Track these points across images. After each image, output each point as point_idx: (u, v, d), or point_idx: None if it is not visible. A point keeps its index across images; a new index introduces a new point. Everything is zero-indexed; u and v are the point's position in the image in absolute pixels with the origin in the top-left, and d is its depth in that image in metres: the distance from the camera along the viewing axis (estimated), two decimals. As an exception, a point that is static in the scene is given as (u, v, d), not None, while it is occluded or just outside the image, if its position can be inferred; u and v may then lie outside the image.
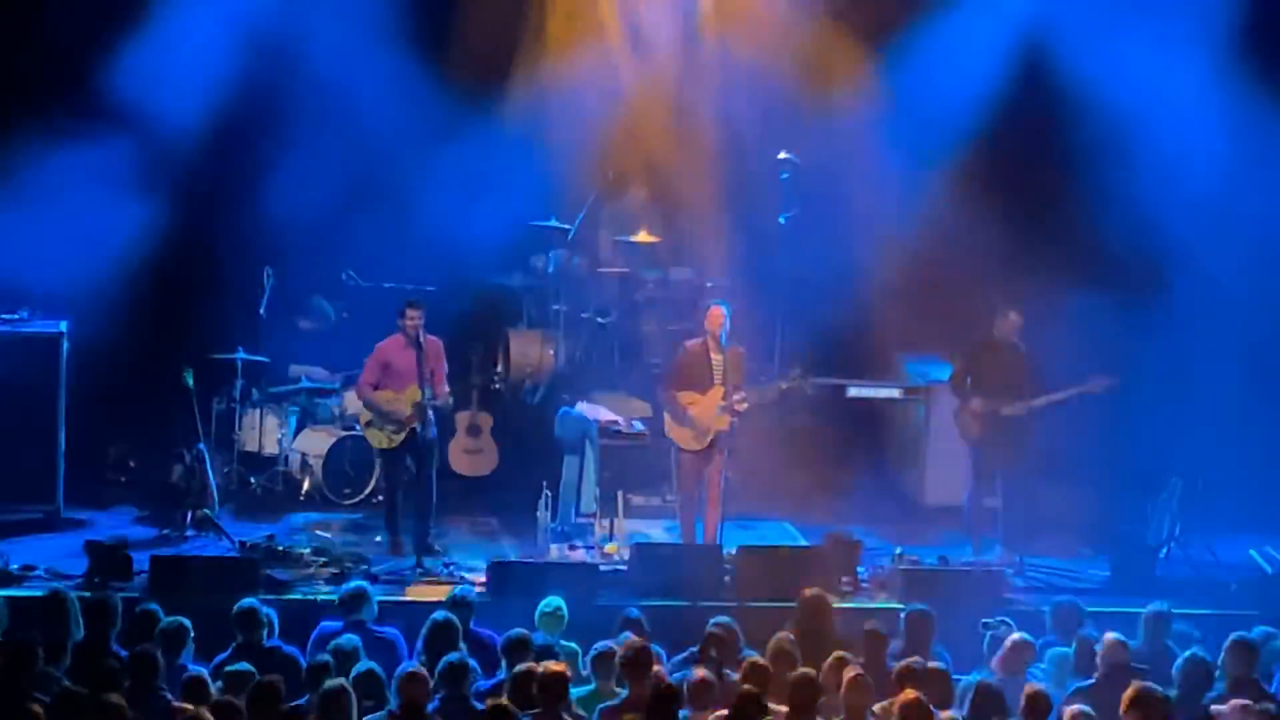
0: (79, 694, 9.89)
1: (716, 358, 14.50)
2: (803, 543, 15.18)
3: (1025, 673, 11.16)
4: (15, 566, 13.65)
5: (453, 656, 10.49)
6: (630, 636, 11.07)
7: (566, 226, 16.83)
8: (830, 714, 10.28)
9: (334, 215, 16.44)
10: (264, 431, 16.14)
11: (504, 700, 10.04)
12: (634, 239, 16.99)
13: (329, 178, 16.47)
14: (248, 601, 11.56)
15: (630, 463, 15.17)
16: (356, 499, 15.95)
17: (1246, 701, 10.27)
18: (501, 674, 10.79)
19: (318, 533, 15.08)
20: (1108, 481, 15.64)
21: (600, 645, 10.95)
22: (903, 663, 10.77)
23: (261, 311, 16.19)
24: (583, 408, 15.66)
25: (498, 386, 16.87)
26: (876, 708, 10.37)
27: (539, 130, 16.52)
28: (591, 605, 12.85)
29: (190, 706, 9.92)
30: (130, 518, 15.54)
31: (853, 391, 16.39)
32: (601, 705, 10.45)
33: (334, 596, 12.51)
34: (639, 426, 15.18)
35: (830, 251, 16.26)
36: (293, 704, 10.05)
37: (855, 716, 10.27)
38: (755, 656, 10.93)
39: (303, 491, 16.05)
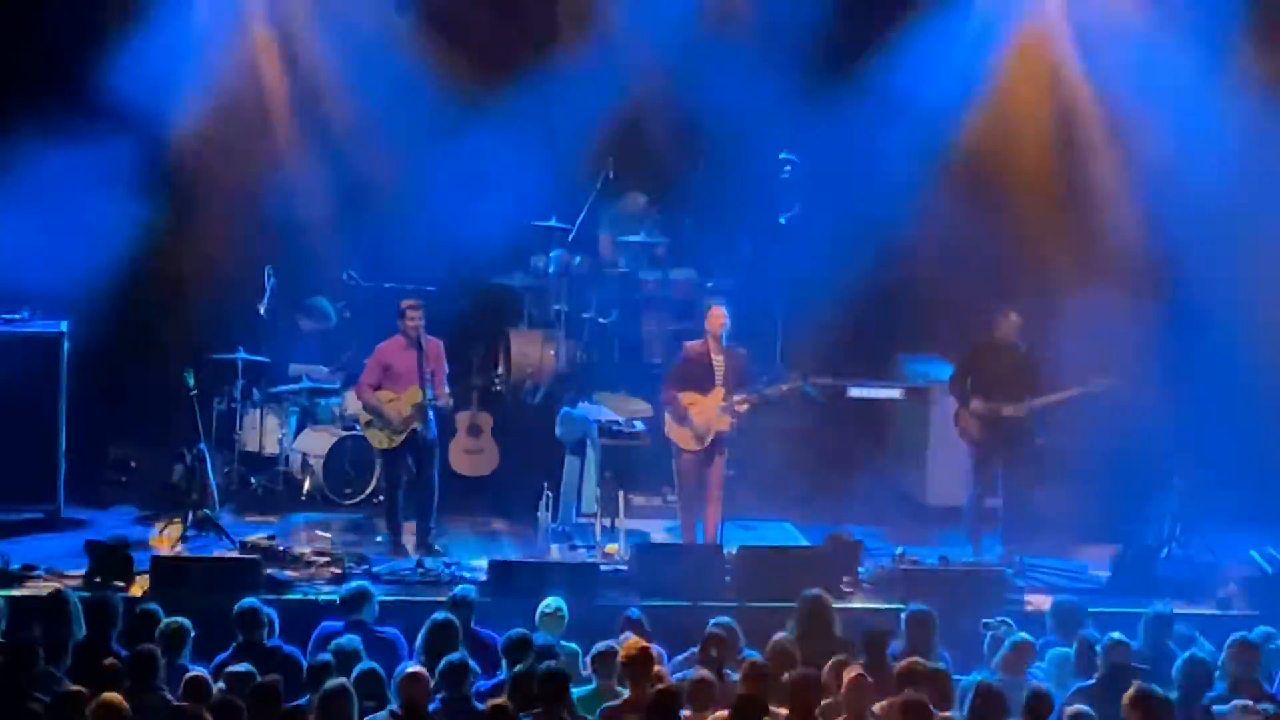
0: (79, 694, 9.89)
1: (717, 358, 14.51)
2: (803, 543, 15.18)
3: (1026, 673, 11.16)
4: (15, 566, 13.65)
5: (453, 656, 10.48)
6: (631, 636, 11.06)
7: (567, 226, 16.83)
8: (831, 715, 10.28)
9: (334, 215, 16.47)
10: (265, 431, 16.14)
11: (504, 700, 10.03)
12: (634, 239, 16.99)
13: (330, 177, 16.51)
14: (249, 601, 11.56)
15: (631, 463, 15.15)
16: (357, 499, 15.94)
17: (1247, 702, 10.27)
18: (502, 674, 10.79)
19: (318, 533, 15.08)
20: (1108, 481, 15.63)
21: (601, 645, 10.94)
22: (903, 663, 10.77)
23: (262, 311, 16.18)
24: (583, 408, 15.65)
25: (498, 387, 16.86)
26: (877, 708, 10.37)
27: (540, 129, 16.51)
28: (592, 605, 12.85)
29: (191, 706, 9.91)
30: (130, 518, 15.54)
31: (853, 392, 16.37)
32: (602, 705, 10.45)
33: (334, 596, 12.52)
34: (639, 426, 15.16)
35: (830, 251, 16.25)
36: (293, 704, 10.04)
37: (856, 717, 10.27)
38: (755, 657, 10.94)
39: (303, 491, 16.04)
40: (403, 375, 14.69)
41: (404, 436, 14.72)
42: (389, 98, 16.44)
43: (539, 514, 14.86)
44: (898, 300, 17.09)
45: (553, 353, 16.76)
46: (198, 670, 10.47)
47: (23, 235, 15.17)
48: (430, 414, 14.70)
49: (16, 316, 15.28)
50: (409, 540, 14.73)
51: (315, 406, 16.36)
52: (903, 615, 11.89)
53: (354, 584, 12.41)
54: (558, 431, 15.70)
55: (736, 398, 14.45)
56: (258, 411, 16.10)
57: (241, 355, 15.83)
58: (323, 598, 13.22)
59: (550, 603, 11.91)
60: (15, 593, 12.87)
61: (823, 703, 10.25)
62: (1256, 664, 11.07)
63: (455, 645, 10.93)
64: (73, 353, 15.25)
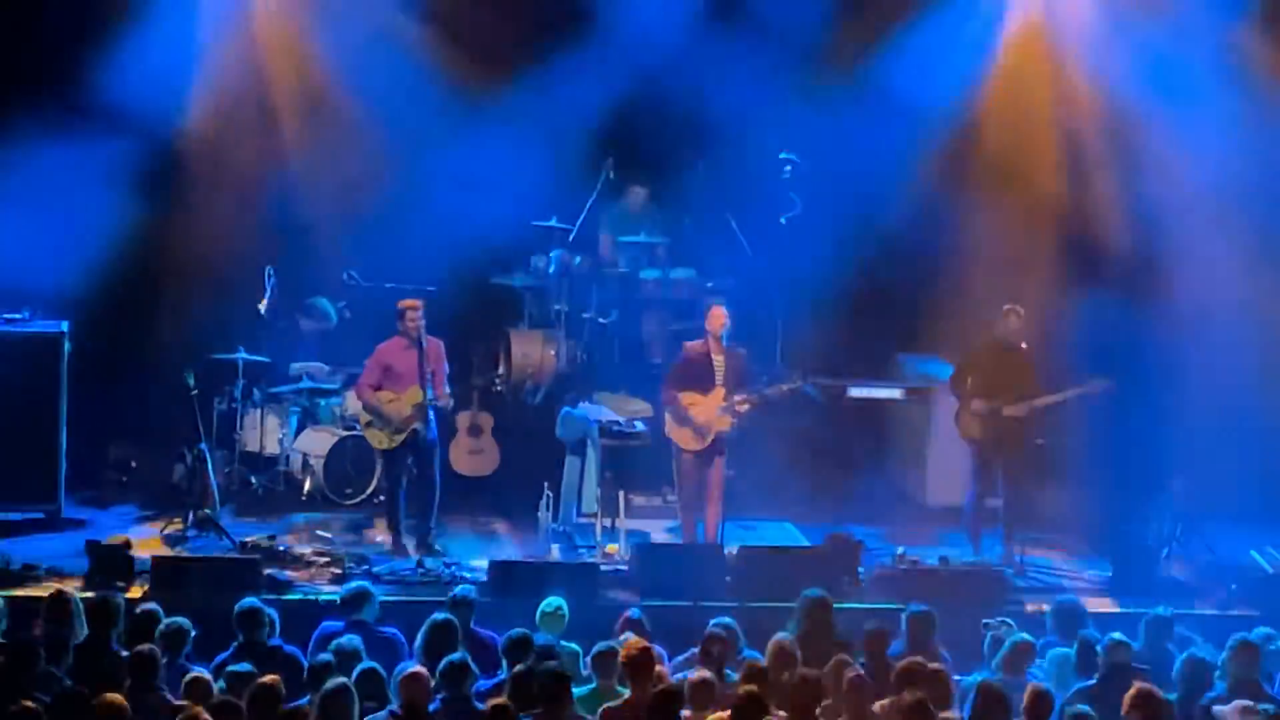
0: (79, 694, 9.89)
1: (718, 358, 14.52)
2: (804, 543, 15.19)
3: (1026, 673, 11.16)
4: (15, 566, 13.65)
5: (454, 657, 10.48)
6: (631, 637, 11.06)
7: (568, 226, 16.83)
8: (831, 715, 10.28)
9: (335, 215, 16.47)
10: (265, 432, 16.14)
11: (505, 700, 10.04)
12: (634, 239, 16.99)
13: (330, 177, 16.51)
14: (249, 601, 11.56)
15: (631, 463, 15.16)
16: (358, 499, 15.94)
17: (1248, 703, 10.26)
18: (502, 674, 10.79)
19: (318, 533, 15.08)
20: (1108, 481, 15.63)
21: (601, 645, 10.95)
22: (903, 663, 10.77)
23: (263, 311, 16.19)
24: (584, 408, 15.65)
25: (499, 387, 16.87)
26: (877, 707, 10.37)
27: (540, 129, 16.51)
28: (592, 605, 12.86)
29: (191, 706, 9.91)
30: (130, 518, 15.54)
31: (854, 392, 16.37)
32: (602, 705, 10.45)
33: (335, 597, 12.52)
34: (640, 427, 15.17)
35: (831, 251, 16.26)
36: (294, 704, 10.04)
37: (856, 717, 10.27)
38: (756, 657, 10.94)
39: (304, 492, 16.04)
40: (403, 375, 14.69)
41: (404, 437, 14.72)
42: (389, 97, 16.44)
43: (539, 514, 14.86)
44: (898, 300, 17.09)
45: (553, 353, 16.76)
46: (198, 670, 10.47)
47: (23, 235, 15.16)
48: (430, 414, 14.70)
49: (16, 316, 15.28)
50: (409, 540, 14.73)
51: (316, 407, 16.36)
52: (903, 615, 11.89)
53: (355, 584, 12.42)
54: (558, 432, 15.71)
55: (737, 398, 14.45)
56: (258, 411, 16.10)
57: (242, 355, 15.82)
58: (323, 598, 13.22)
59: (550, 603, 11.91)
60: (15, 593, 12.85)
61: (823, 703, 10.25)
62: (1257, 664, 11.07)
63: (455, 645, 10.94)
64: (73, 353, 15.24)
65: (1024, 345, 14.94)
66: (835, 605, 12.14)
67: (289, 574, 13.79)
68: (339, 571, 13.89)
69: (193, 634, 11.17)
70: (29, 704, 9.74)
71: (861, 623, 11.86)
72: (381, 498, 15.47)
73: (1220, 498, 15.25)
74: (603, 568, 14.04)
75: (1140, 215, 16.39)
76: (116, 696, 9.76)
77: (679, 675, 10.71)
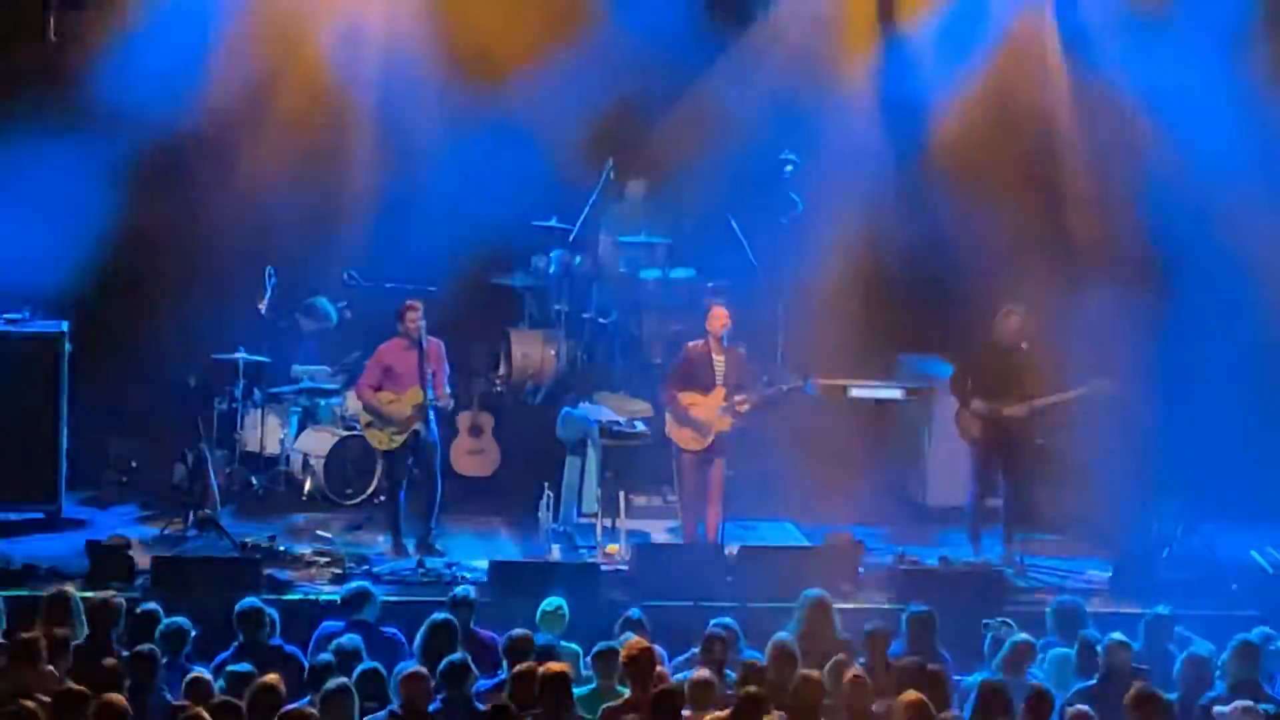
0: (79, 694, 9.89)
1: (718, 358, 14.53)
2: (804, 543, 15.19)
3: (1026, 673, 11.16)
4: (15, 566, 13.64)
5: (454, 657, 10.48)
6: (632, 637, 11.06)
7: (568, 227, 16.83)
8: (831, 715, 10.28)
9: (335, 215, 16.47)
10: (265, 432, 16.13)
11: (505, 700, 10.03)
12: (634, 239, 16.99)
13: (331, 177, 16.52)
14: (250, 600, 11.56)
15: (632, 463, 15.16)
16: (358, 499, 15.94)
17: (1248, 703, 10.26)
18: (502, 674, 10.79)
19: (319, 533, 15.08)
20: (1108, 481, 15.62)
21: (601, 645, 10.95)
22: (902, 663, 10.77)
23: (263, 311, 16.19)
24: (584, 408, 15.65)
25: (499, 387, 16.87)
26: (876, 707, 10.37)
27: (540, 129, 16.52)
28: (593, 605, 12.85)
29: (191, 706, 9.91)
30: (131, 518, 15.54)
31: (854, 392, 16.38)
32: (602, 705, 10.44)
33: (335, 597, 12.52)
34: (640, 427, 15.17)
35: (831, 251, 16.26)
36: (294, 704, 10.04)
37: (856, 717, 10.27)
38: (756, 657, 10.94)
39: (304, 492, 16.04)
40: (403, 376, 14.68)
41: (405, 437, 14.71)
42: (390, 97, 16.45)
43: (540, 514, 14.86)
44: (898, 300, 17.09)
45: (553, 353, 16.76)
46: (199, 671, 10.47)
47: (23, 235, 15.17)
48: (431, 415, 14.70)
49: (16, 316, 15.27)
50: (410, 540, 14.73)
51: (316, 407, 16.36)
52: (904, 616, 11.89)
53: (355, 584, 12.42)
54: (558, 432, 15.71)
55: (737, 398, 14.46)
56: (259, 412, 16.09)
57: (242, 355, 15.82)
58: (323, 598, 13.22)
59: (551, 602, 11.92)
60: (15, 593, 12.85)
61: (823, 703, 10.25)
62: (1257, 665, 11.07)
63: (454, 645, 10.93)
64: (73, 353, 15.23)
65: (1024, 345, 14.93)
66: (835, 605, 12.14)
67: (289, 574, 13.78)
68: (339, 571, 13.89)
69: (193, 634, 11.17)
70: (29, 704, 9.74)
71: (861, 623, 11.86)
72: (382, 498, 15.47)
73: (1221, 497, 15.24)
74: (603, 568, 14.04)
75: (1141, 215, 16.38)
76: (116, 696, 9.76)
77: (679, 675, 10.71)
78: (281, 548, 14.29)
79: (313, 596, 13.39)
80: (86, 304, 15.84)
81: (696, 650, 11.29)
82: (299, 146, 16.47)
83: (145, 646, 10.68)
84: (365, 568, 14.04)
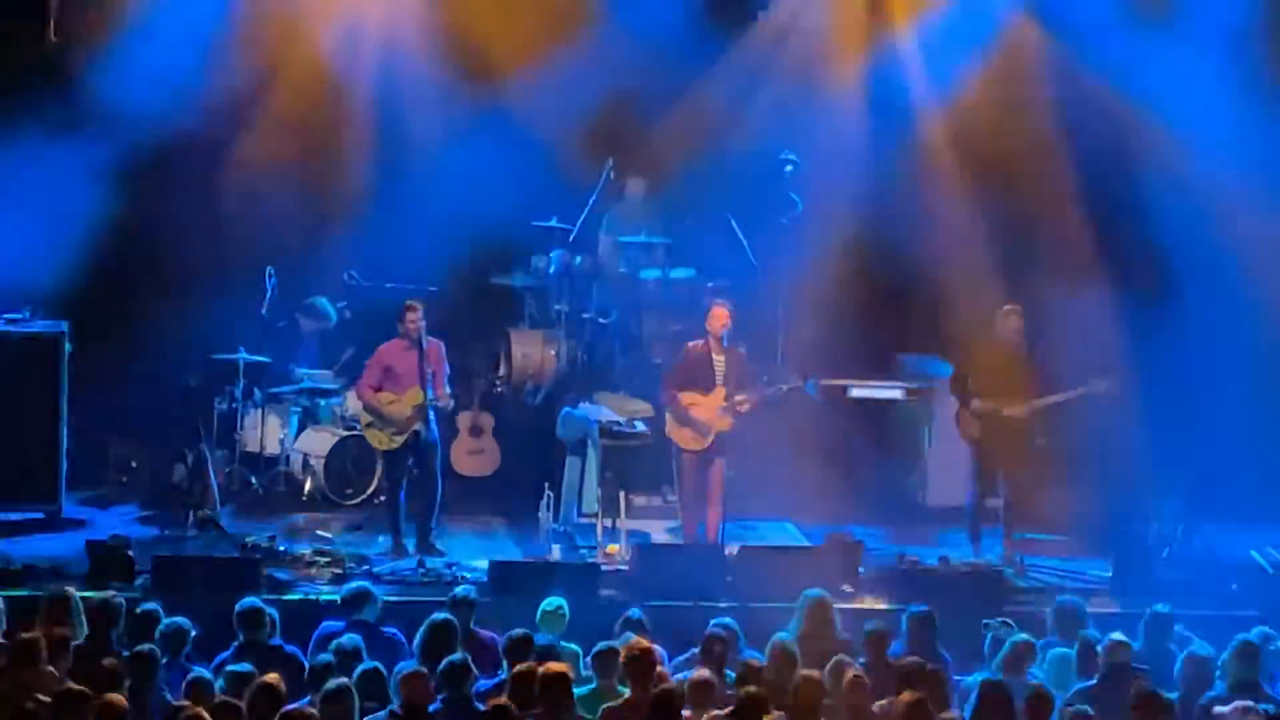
0: (79, 694, 9.89)
1: (718, 358, 14.53)
2: (803, 543, 15.19)
3: (1026, 673, 11.15)
4: (16, 566, 13.64)
5: (454, 657, 10.48)
6: (632, 637, 11.06)
7: (568, 227, 16.83)
8: (831, 715, 10.28)
9: (335, 215, 16.47)
10: (266, 432, 16.13)
11: (506, 700, 10.03)
12: (634, 239, 16.99)
13: (331, 177, 16.52)
14: (250, 600, 11.56)
15: (632, 463, 15.16)
16: (358, 500, 15.94)
17: (1249, 703, 10.25)
18: (503, 674, 10.79)
19: (318, 533, 15.08)
20: (1108, 481, 15.63)
21: (602, 645, 10.94)
22: (901, 663, 10.77)
23: (263, 311, 16.19)
24: (584, 408, 15.66)
25: (500, 388, 16.87)
26: (876, 707, 10.37)
27: (540, 128, 16.53)
28: (593, 605, 12.85)
29: (191, 706, 9.91)
30: (131, 518, 15.54)
31: (854, 392, 16.38)
32: (603, 705, 10.44)
33: (335, 597, 12.52)
34: (640, 427, 15.17)
35: (831, 251, 16.26)
36: (295, 704, 10.04)
37: (855, 717, 10.27)
38: (756, 657, 10.94)
39: (304, 492, 16.04)
40: (403, 376, 14.68)
41: (405, 438, 14.71)
42: (390, 97, 16.45)
43: (540, 514, 14.86)
44: (898, 300, 17.09)
45: (553, 353, 16.76)
46: (200, 671, 10.47)
47: (23, 235, 15.17)
48: (431, 415, 14.70)
49: (16, 316, 15.27)
50: (410, 540, 14.73)
51: (316, 407, 16.36)
52: (903, 616, 11.89)
53: (355, 584, 12.42)
54: (558, 432, 15.71)
55: (738, 398, 14.46)
56: (259, 412, 16.09)
57: (242, 355, 15.82)
58: (323, 598, 13.22)
59: (551, 602, 11.92)
60: (15, 593, 12.85)
61: (823, 703, 10.25)
62: (1257, 665, 11.06)
63: (453, 646, 10.93)
64: (73, 353, 15.23)
65: (1024, 345, 14.93)
66: (835, 605, 12.14)
67: (289, 574, 13.78)
68: (339, 571, 13.89)
69: (193, 634, 11.17)
70: (29, 704, 9.74)
71: (861, 623, 11.86)
72: (382, 498, 15.47)
73: (1220, 498, 15.24)
74: (603, 568, 14.03)
75: (1144, 214, 16.38)
76: (116, 696, 9.76)
77: (679, 675, 10.72)
78: (281, 548, 14.29)
79: (313, 596, 13.39)
80: (86, 304, 15.84)
81: (696, 650, 11.29)
82: (299, 146, 16.47)
83: (145, 646, 10.68)
84: (365, 568, 14.04)
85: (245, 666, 10.49)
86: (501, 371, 16.96)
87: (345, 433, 15.99)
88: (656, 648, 10.89)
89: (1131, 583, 14.13)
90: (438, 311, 15.12)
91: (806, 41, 16.88)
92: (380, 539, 14.95)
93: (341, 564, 14.01)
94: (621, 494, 14.94)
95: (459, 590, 12.25)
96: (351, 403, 15.84)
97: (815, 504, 15.64)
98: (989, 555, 14.89)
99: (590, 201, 16.77)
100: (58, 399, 15.14)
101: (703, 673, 10.47)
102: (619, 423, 15.19)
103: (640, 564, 14.00)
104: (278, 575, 13.64)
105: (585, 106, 16.56)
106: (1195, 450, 15.29)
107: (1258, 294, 16.19)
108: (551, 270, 16.94)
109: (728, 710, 10.00)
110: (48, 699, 9.94)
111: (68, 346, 15.17)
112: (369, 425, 14.91)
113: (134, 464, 16.55)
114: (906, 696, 9.96)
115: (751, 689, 10.05)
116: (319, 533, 15.07)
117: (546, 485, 15.02)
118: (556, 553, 14.67)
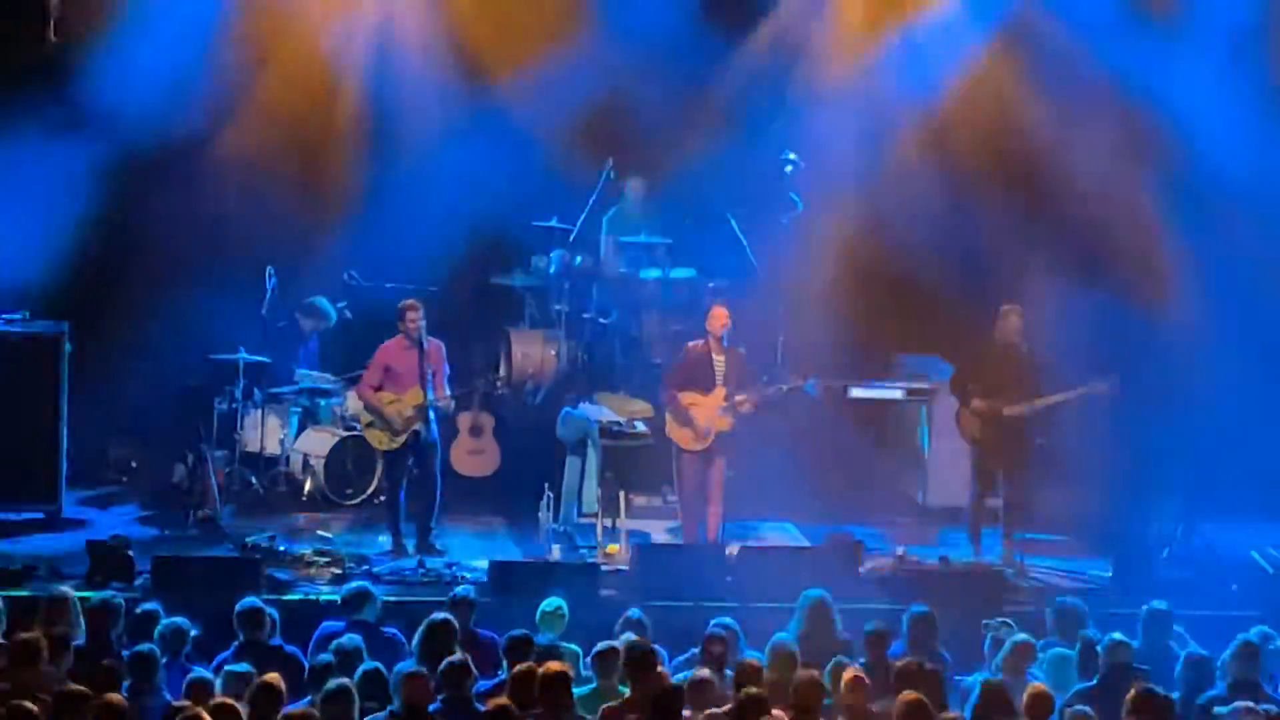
0: (79, 694, 9.89)
1: (718, 358, 14.53)
2: (803, 543, 15.19)
3: (1026, 673, 11.15)
4: (15, 566, 13.64)
5: (454, 657, 10.48)
6: (632, 637, 11.06)
7: (568, 227, 16.84)
8: (831, 715, 10.28)
9: (335, 215, 16.47)
10: (266, 432, 16.13)
11: (506, 700, 10.03)
12: (634, 239, 16.99)
13: (330, 177, 16.52)
14: (250, 600, 11.56)
15: (632, 463, 15.16)
16: (358, 500, 15.94)
17: (1250, 704, 10.25)
18: (502, 674, 10.79)
19: (319, 533, 15.07)
20: (1108, 481, 15.62)
21: (601, 645, 10.94)
22: (901, 662, 10.77)
23: (263, 311, 16.19)
24: (584, 408, 15.66)
25: (500, 388, 16.87)
26: (876, 707, 10.37)
27: (540, 128, 16.53)
28: (593, 605, 12.85)
29: (190, 706, 9.90)
30: (131, 518, 15.54)
31: (854, 392, 16.38)
32: (602, 705, 10.44)
33: (335, 597, 12.52)
34: (640, 427, 15.17)
35: (832, 251, 16.26)
36: (295, 704, 10.04)
37: (855, 717, 10.27)
38: (756, 657, 10.94)
39: (304, 492, 16.04)
40: (403, 376, 14.68)
41: (405, 438, 14.71)
42: (390, 97, 16.46)
43: (540, 514, 14.86)
44: (898, 300, 17.09)
45: (553, 353, 16.77)
46: (200, 671, 10.47)
47: (23, 235, 15.17)
48: (431, 415, 14.70)
49: (16, 316, 15.27)
50: (410, 540, 14.73)
51: (316, 407, 16.36)
52: (904, 616, 11.88)
53: (355, 584, 12.42)
54: (558, 432, 15.71)
55: (738, 398, 14.46)
56: (259, 412, 16.09)
57: (242, 355, 15.82)
58: (323, 598, 13.22)
59: (551, 602, 11.91)
60: (15, 593, 12.85)
61: (823, 703, 10.25)
62: (1257, 665, 11.06)
63: (452, 646, 10.92)
64: (73, 353, 15.23)
65: (1024, 345, 14.93)
66: (835, 605, 12.13)
67: (289, 574, 13.78)
68: (339, 571, 13.89)
69: (193, 634, 11.17)
70: (29, 704, 9.74)
71: (861, 623, 11.86)
72: (382, 498, 15.47)
73: (1221, 497, 15.24)
74: (603, 568, 14.03)
75: (1141, 214, 16.38)
76: (116, 696, 9.76)
77: (679, 675, 10.71)
78: (281, 548, 14.29)
79: (313, 596, 13.39)
80: (86, 304, 15.84)
81: (696, 650, 11.29)
82: (299, 146, 16.48)
83: (145, 646, 10.68)
84: (365, 568, 14.03)
85: (245, 666, 10.48)
86: (501, 371, 16.96)
87: (345, 433, 15.99)
88: (656, 648, 10.89)
89: (1131, 583, 14.11)
90: (438, 311, 15.11)
91: (807, 41, 16.86)
92: (380, 539, 14.94)
93: (341, 564, 14.01)
94: (621, 494, 14.94)
95: (458, 590, 12.26)
96: (351, 403, 15.84)
97: (815, 504, 15.66)
98: (989, 555, 14.89)
99: (590, 201, 16.77)
100: (58, 399, 15.14)
101: (703, 673, 10.47)
102: (619, 423, 15.19)
103: (640, 564, 14.00)
104: (278, 575, 13.64)
105: (585, 106, 16.56)
106: (1195, 449, 15.28)
107: (1258, 294, 16.19)
108: (551, 270, 16.94)
109: (728, 710, 10.00)
110: (48, 699, 9.94)
111: (68, 346, 15.16)
112: (369, 425, 14.91)
113: (134, 464, 16.56)
114: (906, 696, 9.95)
115: (751, 689, 10.04)
116: (319, 533, 15.06)
117: (546, 485, 15.02)
118: (556, 552, 14.67)
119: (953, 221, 16.50)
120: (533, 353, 16.81)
